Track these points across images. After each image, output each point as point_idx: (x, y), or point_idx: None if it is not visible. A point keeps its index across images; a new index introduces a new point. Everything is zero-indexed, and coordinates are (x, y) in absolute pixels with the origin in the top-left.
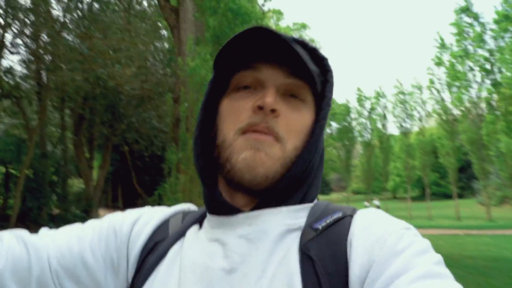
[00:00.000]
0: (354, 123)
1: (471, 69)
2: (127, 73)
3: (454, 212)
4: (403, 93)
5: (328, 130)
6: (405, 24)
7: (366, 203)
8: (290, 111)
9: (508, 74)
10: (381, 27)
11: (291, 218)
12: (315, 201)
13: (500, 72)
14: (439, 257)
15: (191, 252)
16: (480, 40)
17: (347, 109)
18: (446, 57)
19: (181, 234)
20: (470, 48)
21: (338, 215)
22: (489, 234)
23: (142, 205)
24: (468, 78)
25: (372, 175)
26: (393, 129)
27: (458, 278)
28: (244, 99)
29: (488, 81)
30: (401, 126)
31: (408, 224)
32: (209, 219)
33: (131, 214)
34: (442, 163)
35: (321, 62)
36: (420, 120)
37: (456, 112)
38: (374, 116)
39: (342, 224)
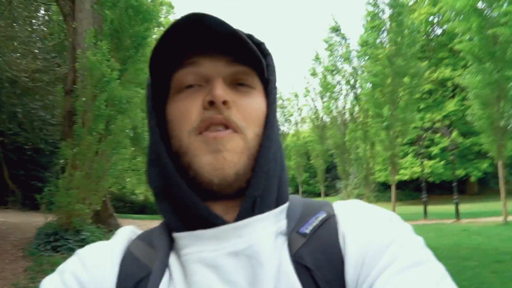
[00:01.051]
0: None
1: (339, 83)
2: (29, 64)
3: None
4: (282, 99)
5: None
6: (289, 32)
7: None
8: (242, 98)
9: (366, 90)
10: (266, 32)
11: (275, 222)
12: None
13: (361, 87)
14: (420, 240)
15: (187, 285)
16: (347, 57)
17: None
18: (319, 69)
19: (164, 262)
20: (339, 64)
21: (323, 215)
22: None
23: (14, 202)
24: (337, 90)
25: None
26: None
27: None
28: (191, 97)
29: (352, 94)
30: (280, 129)
31: (390, 212)
32: (182, 237)
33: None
34: (313, 164)
35: (259, 47)
36: (296, 124)
37: (326, 119)
38: None
39: (328, 225)
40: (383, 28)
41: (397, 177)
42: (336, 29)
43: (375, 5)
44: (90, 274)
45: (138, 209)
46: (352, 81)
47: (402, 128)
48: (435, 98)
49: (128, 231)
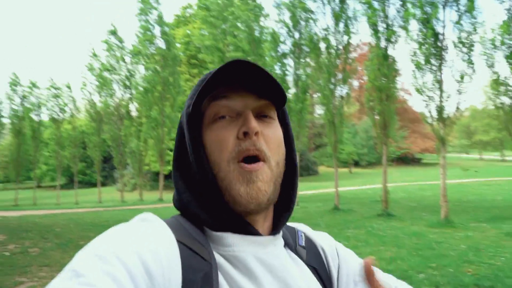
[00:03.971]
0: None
1: (117, 82)
2: None
3: (97, 197)
4: (55, 88)
5: None
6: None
7: None
8: (266, 129)
9: (138, 93)
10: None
11: (280, 236)
12: None
13: (135, 89)
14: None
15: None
16: (123, 60)
17: None
18: (96, 65)
19: (214, 257)
20: (116, 64)
21: (302, 233)
22: (120, 209)
23: None
24: (114, 88)
25: (22, 164)
26: (45, 117)
27: None
28: (225, 128)
29: (128, 94)
30: (54, 118)
31: (322, 232)
32: (231, 237)
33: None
34: (90, 154)
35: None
36: (71, 115)
37: (103, 113)
38: (27, 105)
39: (306, 237)
40: (154, 41)
41: (167, 168)
42: (113, 32)
43: (147, 21)
44: (157, 261)
45: None
46: (127, 82)
47: (170, 126)
48: None
49: (160, 219)
